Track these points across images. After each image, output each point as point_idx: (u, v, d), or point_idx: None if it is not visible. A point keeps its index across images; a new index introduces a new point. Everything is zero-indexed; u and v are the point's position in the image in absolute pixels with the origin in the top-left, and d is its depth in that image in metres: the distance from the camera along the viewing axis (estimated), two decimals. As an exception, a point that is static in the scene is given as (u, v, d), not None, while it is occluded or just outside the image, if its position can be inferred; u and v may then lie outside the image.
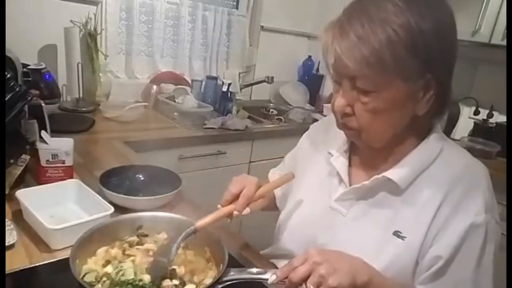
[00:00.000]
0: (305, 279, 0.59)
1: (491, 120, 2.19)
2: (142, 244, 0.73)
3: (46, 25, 1.78)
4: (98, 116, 1.75)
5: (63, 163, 1.01)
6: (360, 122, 0.70)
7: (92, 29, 1.86)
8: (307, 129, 1.00)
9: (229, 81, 2.16)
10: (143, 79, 2.15)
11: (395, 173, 0.72)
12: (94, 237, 0.70)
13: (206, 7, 2.27)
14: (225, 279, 0.62)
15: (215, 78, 2.26)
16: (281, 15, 2.60)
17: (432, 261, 0.69)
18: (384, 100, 0.66)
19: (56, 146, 0.99)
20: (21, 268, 0.72)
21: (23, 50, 1.46)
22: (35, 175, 1.01)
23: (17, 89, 0.87)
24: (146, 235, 0.76)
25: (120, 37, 2.04)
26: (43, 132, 0.98)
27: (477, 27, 1.94)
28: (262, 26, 2.56)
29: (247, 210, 0.77)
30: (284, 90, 2.67)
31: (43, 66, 1.57)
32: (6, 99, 0.85)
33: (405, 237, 0.71)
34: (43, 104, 1.06)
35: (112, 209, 0.84)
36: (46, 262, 0.75)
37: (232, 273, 0.63)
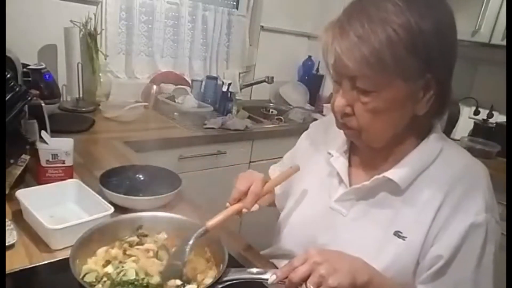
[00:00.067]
0: (305, 279, 0.59)
1: (491, 120, 2.19)
2: (142, 244, 0.73)
3: (46, 25, 1.78)
4: (98, 116, 1.75)
5: (63, 163, 1.01)
6: (360, 122, 0.70)
7: (92, 29, 1.85)
8: (307, 129, 1.00)
9: (229, 81, 2.16)
10: (143, 79, 2.15)
11: (395, 173, 0.72)
12: (94, 237, 0.69)
13: (206, 7, 2.27)
14: (225, 279, 0.62)
15: (215, 78, 2.26)
16: (281, 15, 2.60)
17: (433, 261, 0.69)
18: (384, 100, 0.66)
19: (56, 146, 0.99)
20: (21, 268, 0.72)
21: (23, 50, 1.46)
22: (35, 175, 1.01)
23: (17, 89, 0.87)
24: (146, 235, 0.76)
25: (120, 37, 2.04)
26: (43, 132, 0.98)
27: (477, 27, 1.94)
28: (262, 26, 2.56)
29: (255, 207, 0.76)
30: (284, 90, 2.67)
31: (43, 66, 1.57)
32: (6, 99, 0.85)
33: (405, 237, 0.71)
34: (43, 104, 1.06)
35: (112, 209, 0.84)
36: (46, 262, 0.75)
37: (232, 273, 0.63)
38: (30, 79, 1.49)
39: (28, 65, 1.52)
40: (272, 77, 2.41)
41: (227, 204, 0.76)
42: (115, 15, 1.97)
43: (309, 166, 0.89)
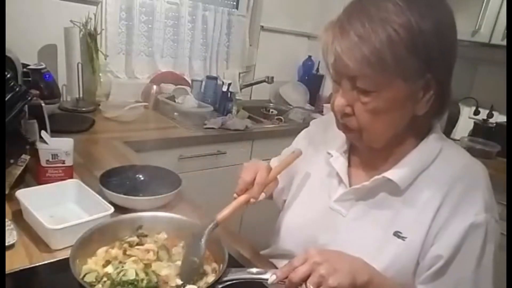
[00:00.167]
0: (305, 279, 0.59)
1: (491, 120, 2.20)
2: (142, 244, 0.73)
3: (46, 25, 1.78)
4: (98, 116, 1.75)
5: (63, 163, 1.01)
6: (360, 122, 0.69)
7: (92, 29, 1.86)
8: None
9: (229, 81, 2.17)
10: (143, 79, 2.15)
11: (395, 174, 0.72)
12: (94, 237, 0.70)
13: (206, 7, 2.27)
14: (225, 279, 0.62)
15: (215, 78, 2.26)
16: (281, 15, 2.60)
17: (433, 261, 0.69)
18: (384, 100, 0.66)
19: (56, 146, 0.99)
20: (21, 268, 0.72)
21: (23, 50, 1.46)
22: (35, 175, 1.01)
23: (17, 89, 0.87)
24: (146, 235, 0.76)
25: (120, 37, 2.04)
26: (43, 132, 0.98)
27: (477, 27, 1.94)
28: (262, 26, 2.56)
29: (262, 195, 0.77)
30: (284, 90, 2.67)
31: (43, 66, 1.57)
32: (6, 99, 0.85)
33: (405, 238, 0.71)
34: (43, 104, 1.06)
35: (112, 209, 0.84)
36: (46, 262, 0.75)
37: (232, 273, 0.63)
38: (30, 79, 1.50)
39: (28, 65, 1.52)
40: (272, 77, 2.41)
41: (234, 195, 0.76)
42: (115, 15, 1.97)
43: (308, 166, 0.89)
